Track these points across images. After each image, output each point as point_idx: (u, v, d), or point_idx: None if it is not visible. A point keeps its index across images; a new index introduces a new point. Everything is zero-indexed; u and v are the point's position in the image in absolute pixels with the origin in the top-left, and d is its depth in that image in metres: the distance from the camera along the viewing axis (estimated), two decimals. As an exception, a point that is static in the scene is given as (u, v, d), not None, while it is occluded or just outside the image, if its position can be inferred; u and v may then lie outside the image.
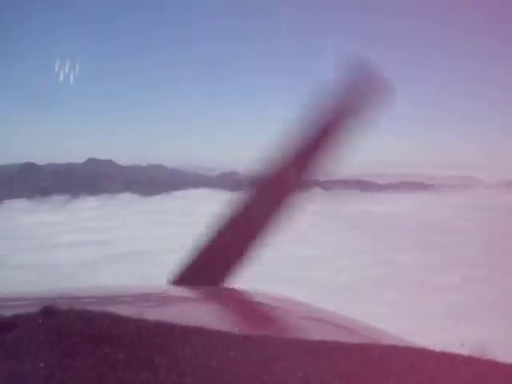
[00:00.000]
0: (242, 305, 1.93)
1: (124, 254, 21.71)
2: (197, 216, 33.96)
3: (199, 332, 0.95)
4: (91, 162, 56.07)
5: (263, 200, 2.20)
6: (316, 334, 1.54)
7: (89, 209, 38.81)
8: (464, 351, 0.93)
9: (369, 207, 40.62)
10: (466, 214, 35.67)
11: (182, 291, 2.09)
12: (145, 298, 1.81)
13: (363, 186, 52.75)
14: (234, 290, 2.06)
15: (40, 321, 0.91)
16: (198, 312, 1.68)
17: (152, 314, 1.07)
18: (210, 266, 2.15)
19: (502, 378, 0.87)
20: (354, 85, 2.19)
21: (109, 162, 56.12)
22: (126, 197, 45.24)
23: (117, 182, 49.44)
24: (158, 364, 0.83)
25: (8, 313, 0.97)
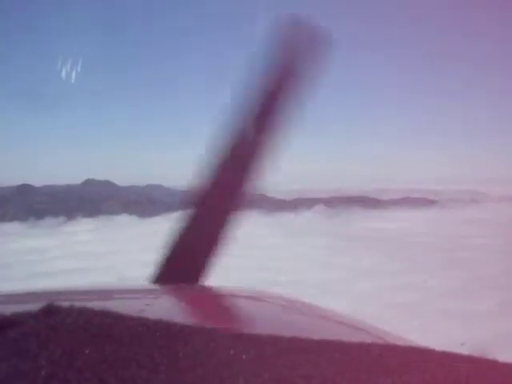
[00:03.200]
0: (217, 302, 1.95)
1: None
2: None
3: (200, 331, 0.96)
4: (89, 182, 55.92)
5: (208, 210, 2.21)
6: (305, 331, 1.50)
7: (83, 232, 37.01)
8: (464, 351, 0.94)
9: (377, 225, 39.56)
10: (479, 230, 34.55)
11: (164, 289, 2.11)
12: (149, 296, 1.82)
13: (366, 202, 52.08)
14: (210, 288, 2.07)
15: (41, 319, 0.91)
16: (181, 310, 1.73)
17: (153, 313, 1.17)
18: (181, 264, 2.15)
19: (503, 377, 0.89)
20: (288, 42, 2.01)
21: (107, 183, 55.83)
22: (124, 218, 44.12)
23: (114, 203, 48.83)
24: (159, 362, 0.84)
25: (8, 311, 0.96)
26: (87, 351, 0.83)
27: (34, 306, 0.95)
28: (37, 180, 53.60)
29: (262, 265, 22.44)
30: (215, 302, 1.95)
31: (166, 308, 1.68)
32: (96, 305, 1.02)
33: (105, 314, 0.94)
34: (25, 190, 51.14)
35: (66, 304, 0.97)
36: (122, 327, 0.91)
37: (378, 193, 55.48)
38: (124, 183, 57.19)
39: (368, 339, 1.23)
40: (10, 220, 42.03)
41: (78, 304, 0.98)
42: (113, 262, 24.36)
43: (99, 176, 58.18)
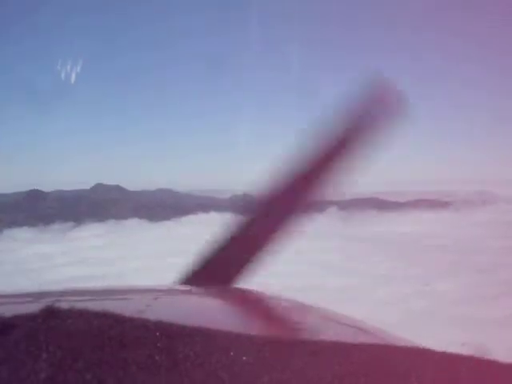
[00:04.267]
0: (245, 304, 1.95)
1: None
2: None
3: (199, 332, 0.96)
4: (99, 187, 55.75)
5: (269, 214, 2.25)
6: (315, 334, 1.52)
7: (92, 237, 36.65)
8: (465, 351, 0.95)
9: (391, 227, 38.99)
10: (494, 231, 33.85)
11: (189, 290, 2.11)
12: (150, 297, 1.73)
13: (380, 204, 51.50)
14: (240, 290, 2.08)
15: (40, 321, 0.92)
16: (201, 311, 1.69)
17: (154, 314, 1.16)
18: (217, 268, 2.17)
19: (503, 377, 0.91)
20: (367, 99, 2.23)
21: (116, 188, 55.59)
22: (133, 223, 43.63)
23: (124, 208, 48.53)
24: (159, 363, 0.85)
25: (8, 312, 0.98)
26: (87, 353, 0.83)
27: (34, 307, 0.94)
28: (46, 185, 53.38)
29: (274, 269, 21.90)
30: (228, 303, 1.97)
31: (175, 309, 1.67)
32: (102, 305, 1.03)
33: (105, 316, 0.94)
34: (34, 196, 51.01)
35: (66, 305, 0.96)
36: (121, 329, 0.91)
37: (390, 195, 54.80)
38: (134, 188, 56.95)
39: (372, 341, 1.25)
40: (20, 226, 41.61)
41: (80, 305, 0.97)
42: (120, 268, 23.85)
43: (109, 181, 57.88)
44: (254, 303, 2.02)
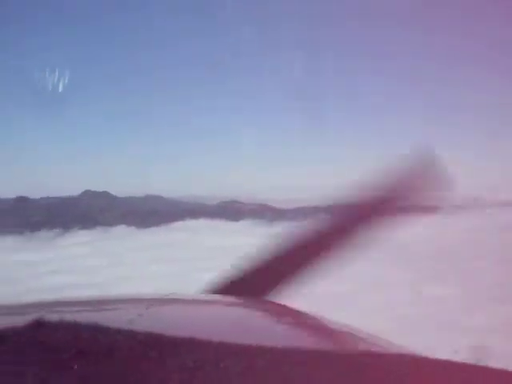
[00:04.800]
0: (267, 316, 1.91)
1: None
2: (197, 250, 32.99)
3: (190, 343, 0.94)
4: (87, 194, 55.30)
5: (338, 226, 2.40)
6: (309, 342, 1.50)
7: (79, 245, 36.30)
8: (458, 358, 0.96)
9: (378, 233, 38.69)
10: (488, 236, 33.73)
11: (191, 299, 2.06)
12: (142, 306, 1.66)
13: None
14: (264, 302, 2.04)
15: (28, 334, 0.91)
16: (193, 321, 1.65)
17: (145, 325, 1.16)
18: (256, 279, 2.13)
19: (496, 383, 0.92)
20: (415, 169, 2.45)
21: (105, 194, 55.15)
22: (121, 230, 43.26)
23: (112, 215, 48.20)
24: (148, 376, 0.84)
25: None
26: (75, 366, 0.81)
27: (23, 320, 0.92)
28: (33, 192, 52.87)
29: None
30: (232, 313, 1.89)
31: (186, 317, 1.67)
32: (92, 316, 1.08)
33: (94, 328, 0.92)
34: (21, 203, 50.49)
35: (55, 317, 0.94)
36: (111, 341, 0.89)
37: (379, 200, 54.54)
38: (122, 194, 56.47)
39: (367, 349, 1.25)
40: (6, 233, 41.22)
41: (69, 317, 0.95)
42: (108, 276, 23.45)
43: (97, 187, 57.34)
44: (261, 315, 1.95)
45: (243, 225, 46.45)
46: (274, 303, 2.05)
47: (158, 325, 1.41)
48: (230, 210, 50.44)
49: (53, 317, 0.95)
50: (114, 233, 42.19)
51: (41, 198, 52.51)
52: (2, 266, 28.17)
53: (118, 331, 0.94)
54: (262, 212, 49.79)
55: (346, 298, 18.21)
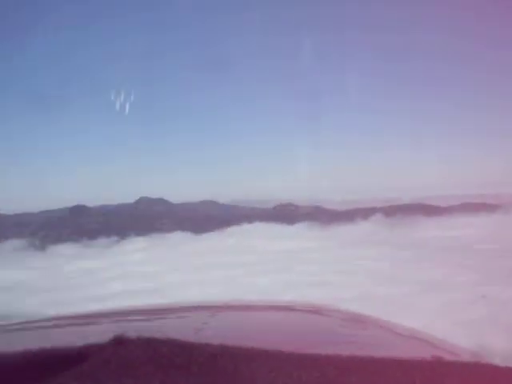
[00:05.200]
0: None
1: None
2: (252, 255, 32.72)
3: (263, 354, 0.97)
4: (142, 201, 55.93)
5: None
6: (373, 349, 1.48)
7: (136, 251, 36.51)
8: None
9: (440, 233, 37.70)
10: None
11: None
12: (208, 315, 1.71)
13: (425, 210, 50.10)
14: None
15: (110, 351, 0.95)
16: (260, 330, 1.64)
17: (215, 334, 1.22)
18: None
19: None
20: None
21: (160, 201, 55.69)
22: (177, 236, 43.39)
23: (168, 221, 48.55)
24: None
25: (79, 342, 1.04)
26: (157, 382, 0.85)
27: (99, 333, 1.00)
28: (90, 200, 53.71)
29: (324, 280, 21.14)
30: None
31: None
32: (164, 327, 1.15)
33: (172, 343, 0.97)
34: (78, 211, 51.41)
35: (133, 334, 0.99)
36: (188, 356, 0.93)
37: (435, 199, 53.25)
38: (178, 200, 56.95)
39: (429, 354, 1.23)
40: (64, 241, 42.03)
41: (145, 330, 1.06)
42: (166, 282, 23.36)
43: (153, 194, 57.97)
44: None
45: (298, 228, 46.02)
46: (344, 311, 2.04)
47: (226, 334, 1.42)
48: (285, 213, 50.13)
49: (131, 334, 0.98)
50: (169, 239, 42.35)
51: (97, 205, 53.46)
52: (62, 273, 28.80)
53: (192, 345, 0.96)
54: (317, 214, 49.21)
55: (411, 299, 17.61)
